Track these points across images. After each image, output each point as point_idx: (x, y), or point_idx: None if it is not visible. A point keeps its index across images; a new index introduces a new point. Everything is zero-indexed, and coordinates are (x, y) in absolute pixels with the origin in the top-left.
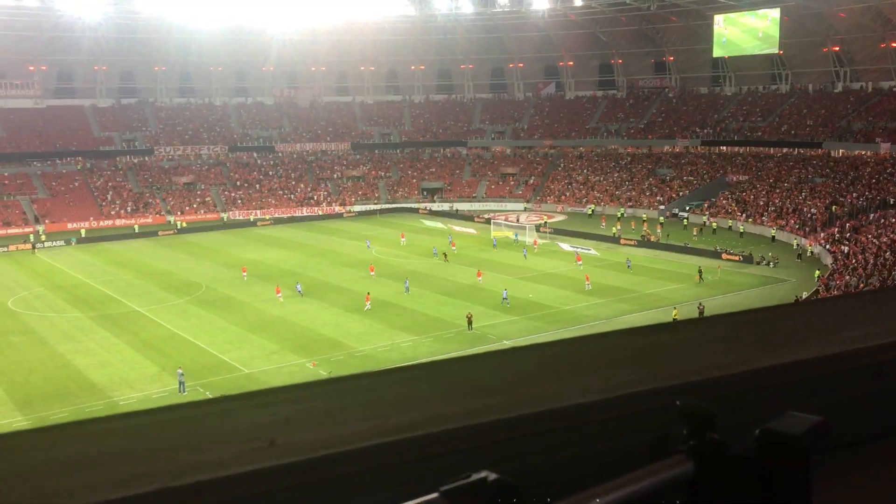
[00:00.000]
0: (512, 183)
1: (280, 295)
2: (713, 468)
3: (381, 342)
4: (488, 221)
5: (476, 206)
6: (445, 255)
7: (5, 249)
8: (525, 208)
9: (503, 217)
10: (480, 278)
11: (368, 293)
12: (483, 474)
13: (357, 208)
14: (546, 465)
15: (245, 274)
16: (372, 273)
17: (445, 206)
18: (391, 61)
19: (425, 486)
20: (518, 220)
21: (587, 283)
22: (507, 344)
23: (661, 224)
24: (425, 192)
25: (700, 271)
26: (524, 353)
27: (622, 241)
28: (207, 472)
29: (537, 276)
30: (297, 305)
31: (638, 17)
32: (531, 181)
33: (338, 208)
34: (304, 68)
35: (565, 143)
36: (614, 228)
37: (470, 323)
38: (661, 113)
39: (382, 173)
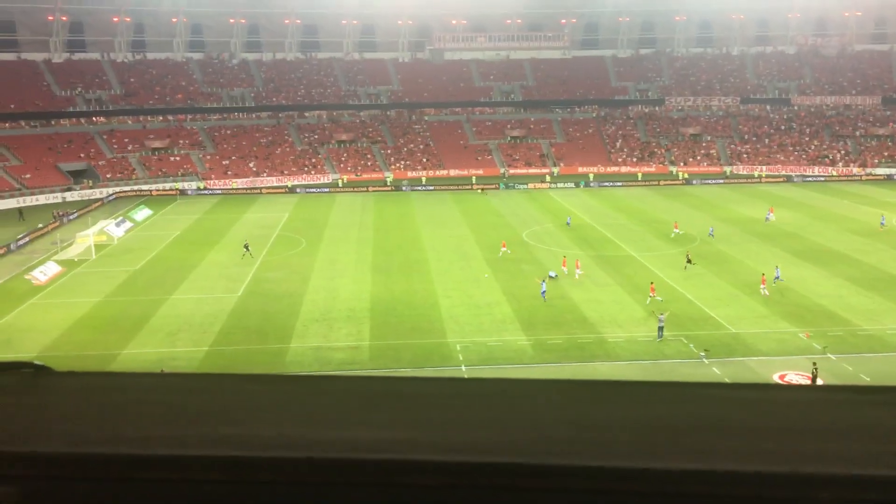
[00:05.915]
0: None
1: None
2: None
3: (892, 323)
4: None
5: None
6: None
7: (525, 187)
8: None
9: None
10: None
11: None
12: None
13: (880, 171)
14: None
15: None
16: None
17: None
18: None
19: None
20: None
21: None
22: None
23: None
24: None
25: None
26: None
27: None
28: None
29: None
30: (794, 270)
31: None
32: None
33: (856, 170)
34: (835, 13)
35: None
36: None
37: None
38: None
39: None
